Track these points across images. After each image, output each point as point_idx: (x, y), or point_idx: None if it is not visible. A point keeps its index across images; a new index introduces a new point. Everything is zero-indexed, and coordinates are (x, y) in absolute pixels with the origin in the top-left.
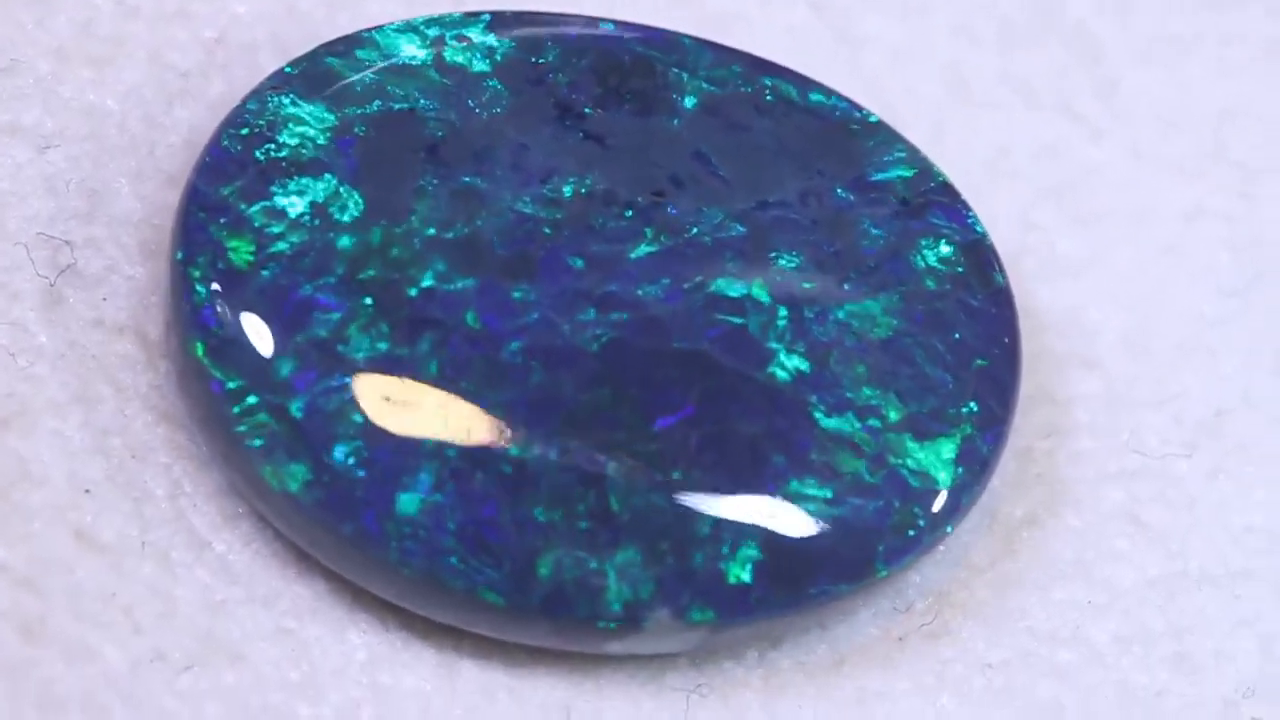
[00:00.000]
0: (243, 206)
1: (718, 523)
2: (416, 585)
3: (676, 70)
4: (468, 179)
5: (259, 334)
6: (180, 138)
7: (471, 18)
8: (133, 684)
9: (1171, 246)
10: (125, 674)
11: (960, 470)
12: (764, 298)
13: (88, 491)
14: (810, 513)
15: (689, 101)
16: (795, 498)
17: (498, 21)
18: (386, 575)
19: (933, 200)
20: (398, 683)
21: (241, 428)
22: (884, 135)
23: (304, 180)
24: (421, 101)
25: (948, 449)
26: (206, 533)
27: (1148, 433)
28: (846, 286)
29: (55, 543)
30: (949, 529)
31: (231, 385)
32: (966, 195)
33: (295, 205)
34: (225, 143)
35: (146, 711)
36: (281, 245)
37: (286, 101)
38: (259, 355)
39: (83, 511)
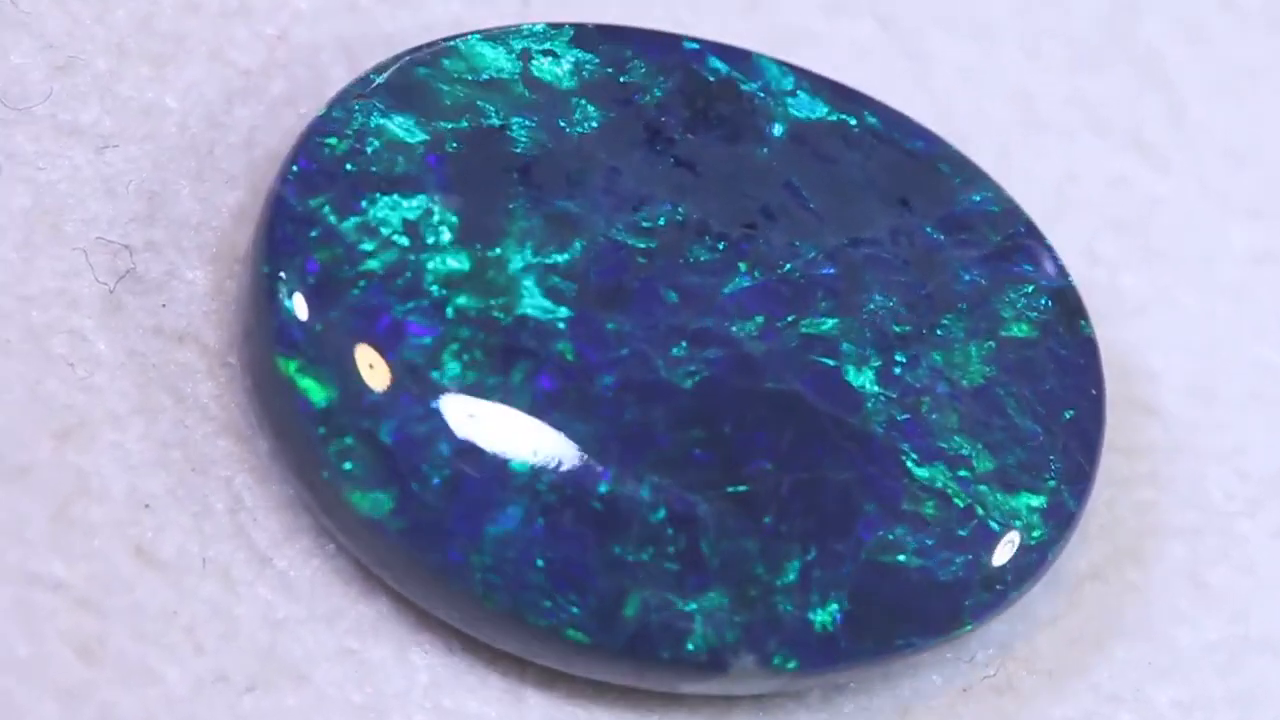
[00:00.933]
0: (333, 220)
1: (807, 570)
2: (500, 620)
3: (763, 95)
4: (561, 203)
5: (349, 355)
6: (240, 138)
7: (555, 30)
8: (194, 706)
9: (1239, 289)
10: (187, 696)
11: (1047, 525)
12: (858, 339)
13: (147, 506)
14: (899, 564)
15: (777, 129)
16: (885, 548)
17: (581, 36)
18: (470, 608)
19: (1021, 243)
20: (461, 707)
21: (329, 450)
22: (969, 172)
23: (397, 196)
24: (512, 119)
25: (1036, 503)
26: (267, 548)
27: (1211, 487)
28: (939, 331)
29: (115, 560)
30: (1034, 584)
31: (320, 405)
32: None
33: (388, 222)
34: (314, 151)
35: None
36: (373, 263)
37: (376, 112)
38: (349, 377)
39: (143, 527)
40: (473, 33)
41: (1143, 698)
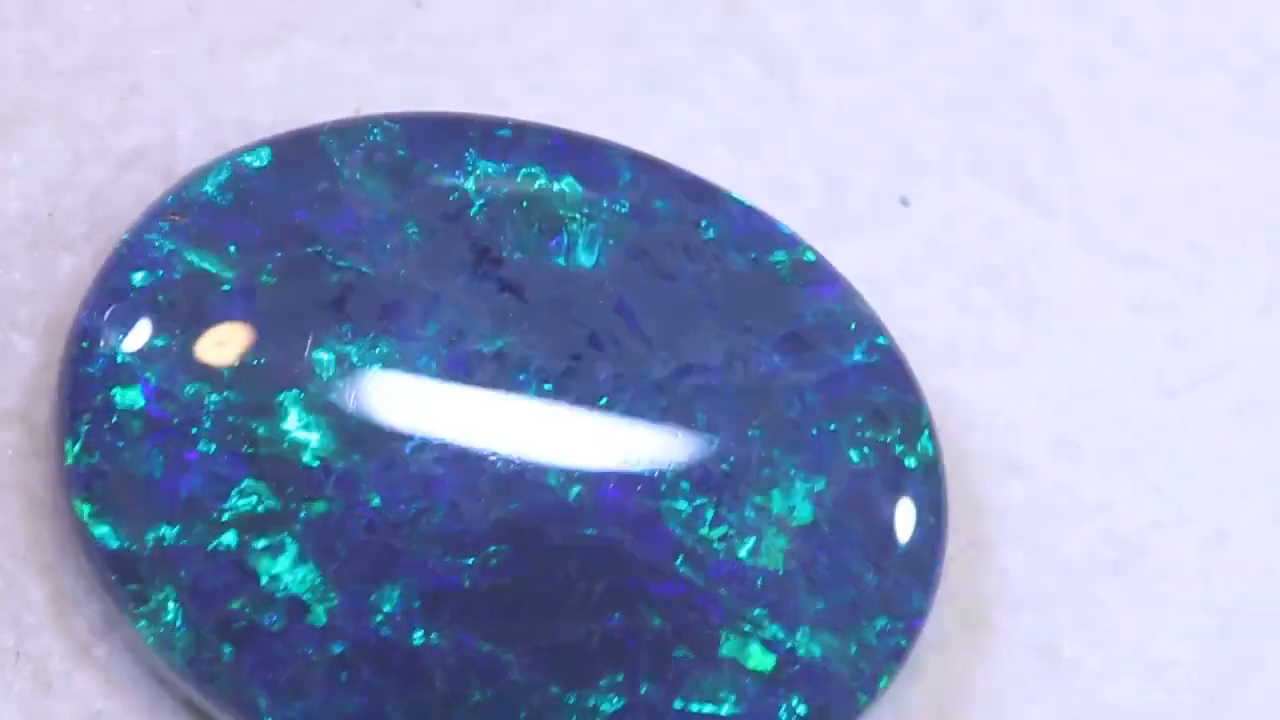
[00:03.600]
0: (134, 363)
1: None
2: None
3: (607, 200)
4: (376, 339)
5: (144, 500)
6: (84, 198)
7: (382, 128)
8: None
9: (1115, 339)
10: None
11: (875, 665)
12: (679, 480)
13: None
14: (718, 716)
15: (614, 241)
16: (699, 695)
17: (409, 130)
18: None
19: (867, 361)
20: None
21: (125, 595)
22: (819, 276)
23: (202, 337)
24: (331, 244)
25: (865, 642)
26: (86, 637)
27: (1073, 551)
28: (768, 469)
29: None
30: None
31: (116, 550)
32: (904, 269)
33: (190, 367)
34: (118, 283)
35: None
36: (171, 405)
37: (190, 238)
38: (144, 523)
39: None
40: (286, 136)
41: None
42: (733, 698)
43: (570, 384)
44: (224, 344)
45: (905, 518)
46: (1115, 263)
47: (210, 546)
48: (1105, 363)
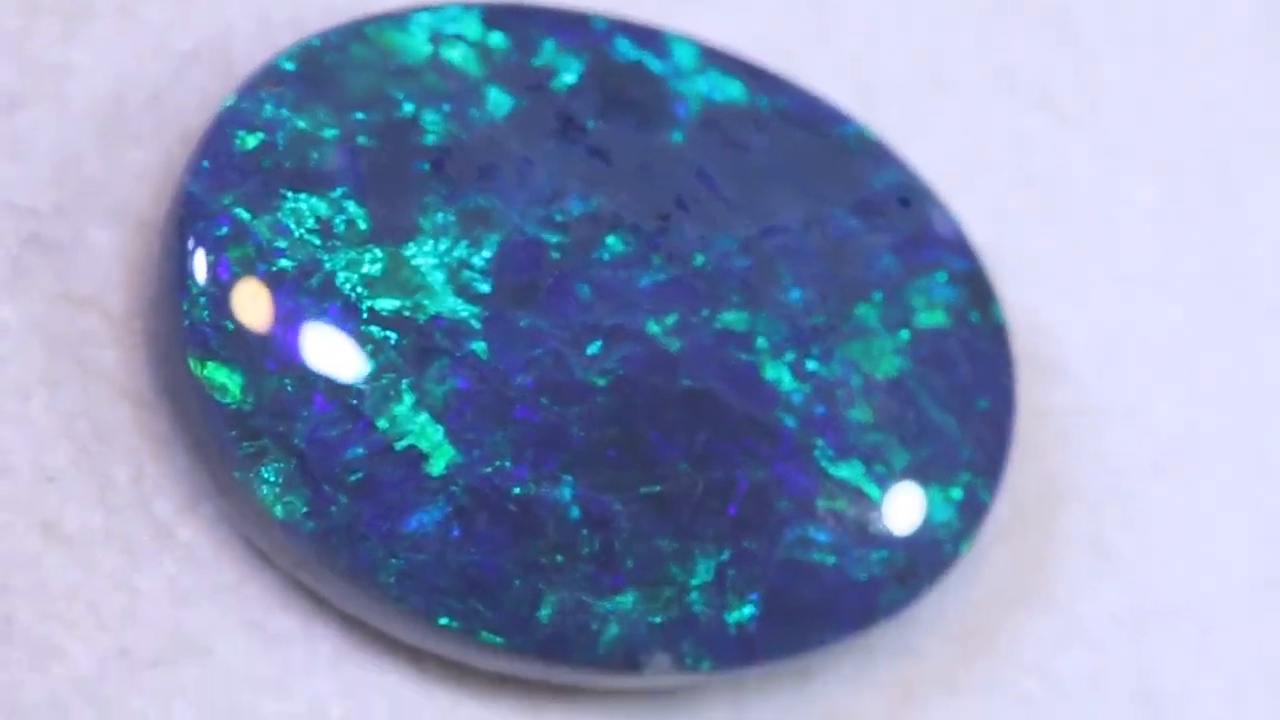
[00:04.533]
0: (245, 217)
1: (721, 570)
2: (414, 622)
3: (673, 78)
4: (474, 198)
5: (260, 356)
6: (146, 95)
7: (464, 10)
8: (99, 684)
9: (1144, 246)
10: (91, 673)
11: (960, 518)
12: (772, 334)
13: (51, 480)
14: (814, 562)
15: (689, 113)
16: (800, 546)
17: (491, 15)
18: (384, 610)
19: (934, 229)
20: (364, 678)
21: (241, 452)
22: (880, 153)
23: (309, 193)
24: (424, 109)
25: (951, 496)
26: (170, 519)
27: (1116, 449)
28: (852, 323)
29: (21, 536)
30: (947, 577)
31: (232, 406)
32: (937, 182)
33: (300, 220)
34: (223, 145)
35: (114, 712)
36: (285, 262)
37: (286, 103)
38: (261, 378)
39: (48, 501)
40: (382, 15)
41: (1047, 666)
42: (831, 547)
43: (661, 241)
44: (333, 202)
45: (983, 376)
46: (1141, 172)
47: (327, 399)
48: (1137, 270)
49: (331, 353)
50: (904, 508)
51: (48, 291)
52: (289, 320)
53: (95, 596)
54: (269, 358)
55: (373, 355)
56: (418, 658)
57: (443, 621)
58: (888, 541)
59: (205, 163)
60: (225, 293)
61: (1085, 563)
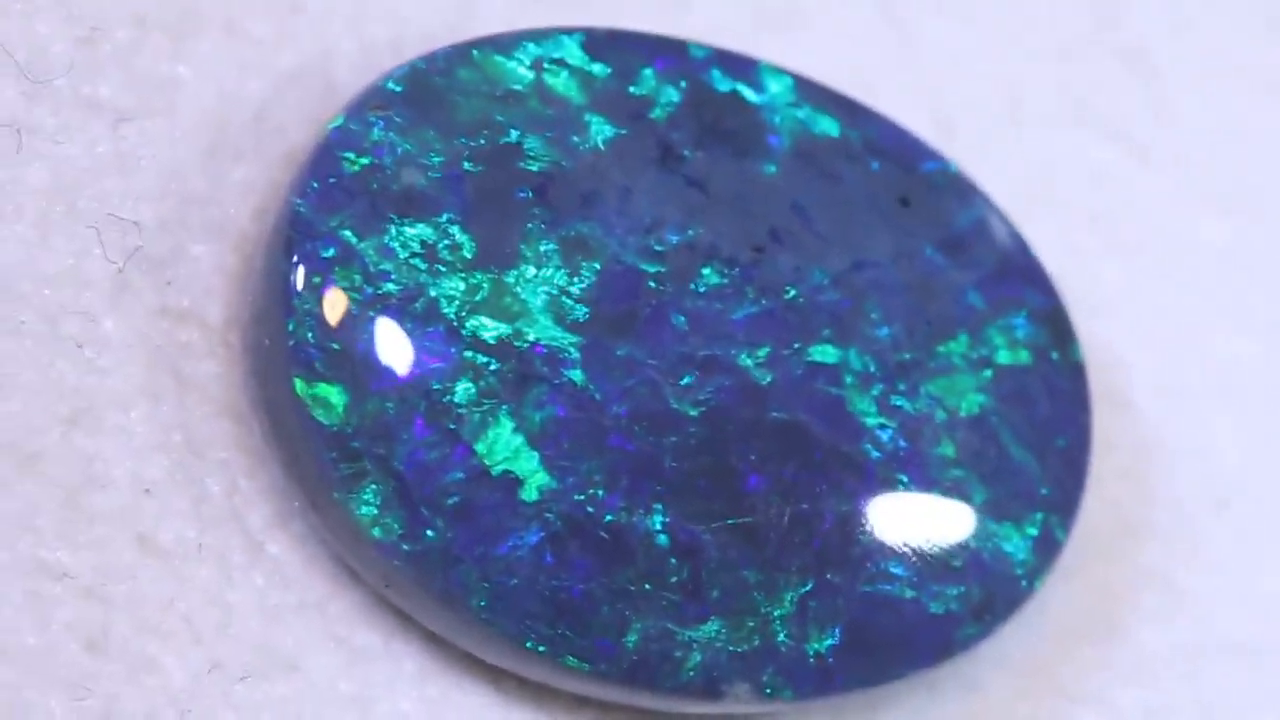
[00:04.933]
0: (353, 240)
1: (804, 601)
2: (500, 645)
3: (769, 109)
4: (576, 225)
5: (364, 377)
6: (250, 112)
7: (566, 36)
8: (192, 698)
9: (1213, 282)
10: (185, 686)
11: (1035, 556)
12: (860, 368)
13: (148, 492)
14: (893, 595)
15: (783, 145)
16: (880, 579)
17: (592, 43)
18: (473, 633)
19: (1016, 263)
20: (447, 695)
21: (341, 473)
22: (963, 188)
23: (415, 217)
24: (528, 136)
25: (1028, 533)
26: (261, 533)
27: (1181, 484)
28: (938, 359)
29: (118, 548)
30: (1020, 613)
31: (333, 428)
32: (1011, 213)
33: (406, 244)
34: (331, 166)
35: None
36: (390, 286)
37: (394, 126)
38: (363, 400)
39: (144, 514)
40: (485, 40)
41: (1108, 699)
42: (910, 581)
43: (755, 273)
44: (438, 227)
45: (1062, 414)
46: (1210, 208)
47: (427, 423)
48: (1205, 305)
49: (431, 376)
50: (981, 545)
51: (149, 305)
52: (392, 343)
53: (189, 610)
54: (372, 380)
55: (473, 380)
56: (498, 678)
57: (530, 646)
58: (964, 577)
59: (314, 183)
60: (331, 314)
61: (1150, 598)
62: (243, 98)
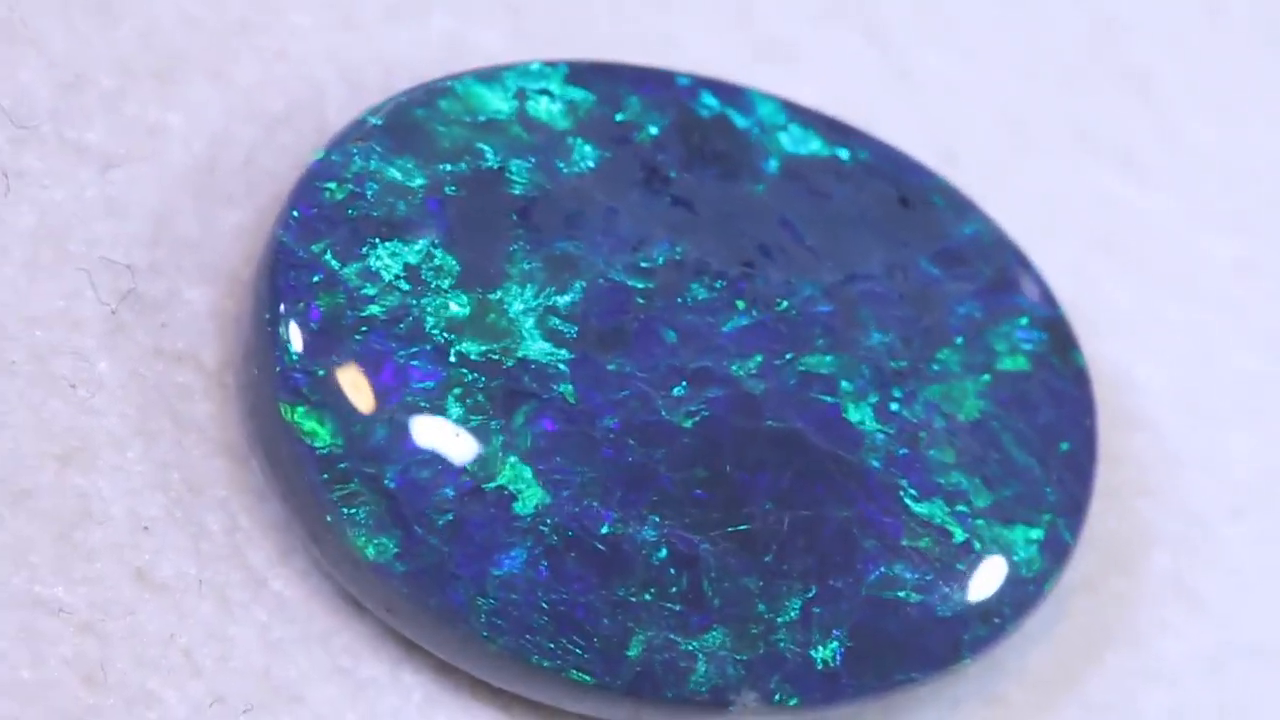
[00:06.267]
0: (335, 265)
1: (807, 607)
2: (504, 662)
3: (756, 131)
4: (560, 244)
5: (352, 400)
6: (240, 156)
7: (550, 68)
8: None
9: (1223, 301)
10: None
11: (1043, 557)
12: (856, 376)
13: (146, 529)
14: (899, 600)
15: (771, 165)
16: (885, 584)
17: (576, 73)
18: (474, 651)
19: (1013, 275)
20: None
21: (332, 496)
22: (960, 203)
23: (397, 241)
24: (510, 160)
25: (1032, 536)
26: (263, 569)
27: (1197, 496)
28: (935, 367)
29: (116, 583)
30: (1030, 616)
31: (323, 451)
32: (1018, 240)
33: (389, 267)
34: (313, 196)
35: None
36: (375, 309)
37: (374, 155)
38: (351, 422)
39: (142, 550)
40: (467, 73)
41: (1130, 709)
42: (915, 585)
43: (745, 287)
44: (421, 250)
45: (1064, 419)
46: (1218, 229)
47: (419, 442)
48: (1216, 323)
49: (420, 396)
50: (986, 547)
51: (143, 346)
52: (379, 364)
53: (190, 644)
54: (358, 403)
55: (461, 398)
56: (506, 705)
57: (534, 660)
58: (970, 580)
59: (295, 213)
60: (315, 339)
61: (1167, 606)
62: (231, 142)
